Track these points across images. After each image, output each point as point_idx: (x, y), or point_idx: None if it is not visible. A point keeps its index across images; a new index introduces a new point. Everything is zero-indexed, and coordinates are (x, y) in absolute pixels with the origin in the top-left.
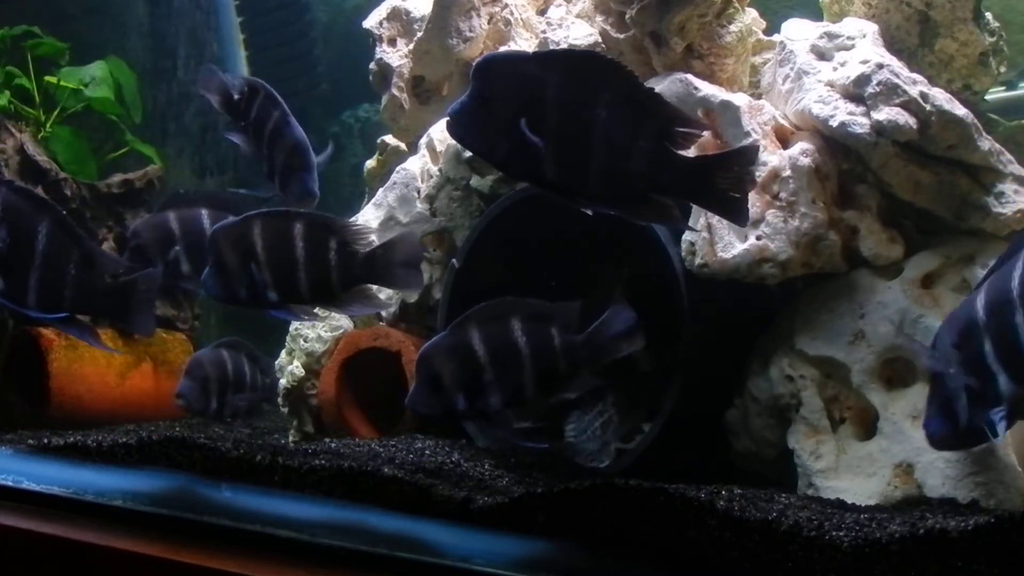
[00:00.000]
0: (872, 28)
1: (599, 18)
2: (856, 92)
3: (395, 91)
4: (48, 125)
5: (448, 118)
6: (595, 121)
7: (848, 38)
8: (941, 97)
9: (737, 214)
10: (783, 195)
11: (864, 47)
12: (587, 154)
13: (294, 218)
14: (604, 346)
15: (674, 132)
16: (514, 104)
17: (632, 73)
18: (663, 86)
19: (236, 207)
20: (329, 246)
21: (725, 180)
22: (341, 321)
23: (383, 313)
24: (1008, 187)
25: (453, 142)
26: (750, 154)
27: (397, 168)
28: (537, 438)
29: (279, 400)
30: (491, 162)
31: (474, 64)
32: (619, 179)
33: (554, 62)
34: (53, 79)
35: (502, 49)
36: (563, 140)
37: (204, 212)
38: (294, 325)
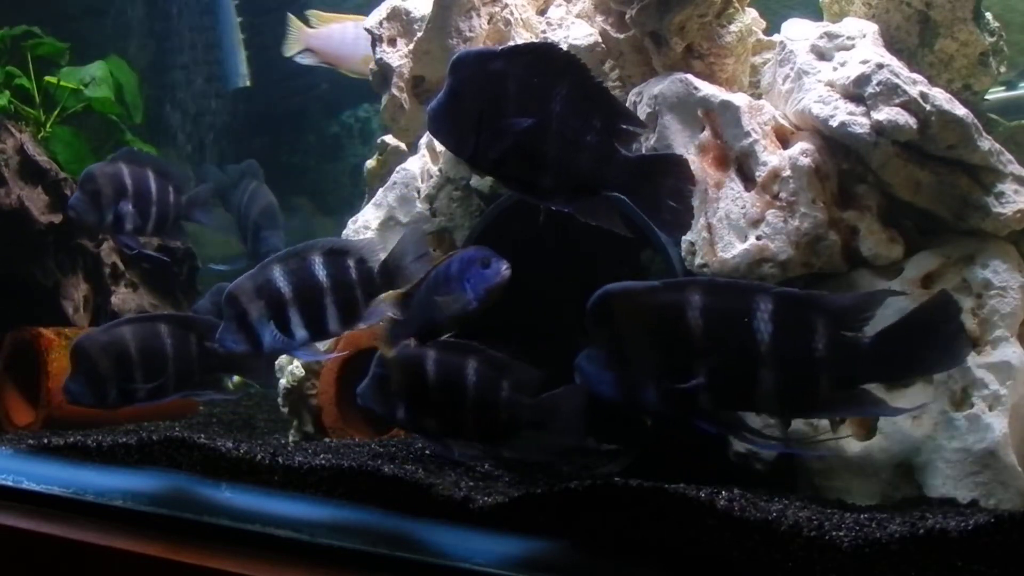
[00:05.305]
0: (872, 28)
1: (599, 18)
2: (856, 92)
3: (395, 91)
4: (48, 125)
5: (427, 114)
6: (548, 115)
7: (848, 38)
8: (941, 97)
9: (670, 224)
10: (783, 195)
11: (864, 47)
12: (541, 148)
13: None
14: (546, 420)
15: (619, 128)
16: (479, 100)
17: (584, 67)
18: (663, 86)
19: (176, 178)
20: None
21: (664, 185)
22: None
23: None
24: (1008, 187)
25: None
26: (680, 164)
27: (397, 168)
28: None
29: (279, 400)
30: (461, 157)
31: (450, 61)
32: (569, 173)
33: (516, 58)
34: (53, 79)
35: None
36: (521, 134)
37: (151, 173)
38: None
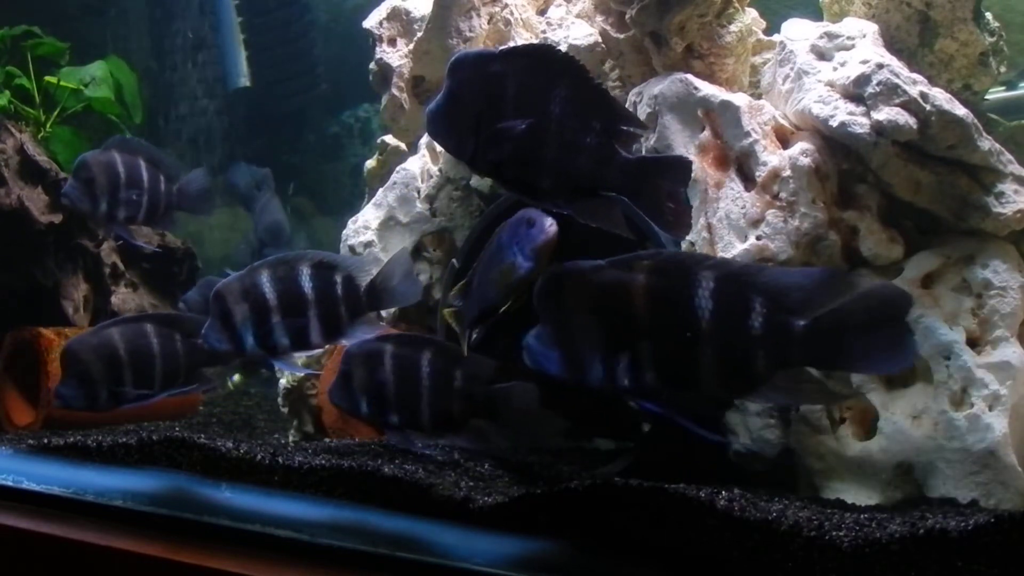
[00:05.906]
0: (872, 28)
1: (599, 18)
2: (856, 92)
3: (395, 91)
4: (48, 125)
5: (426, 116)
6: (547, 117)
7: (848, 38)
8: (941, 97)
9: (671, 225)
10: (783, 195)
11: (864, 47)
12: (540, 149)
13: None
14: (499, 411)
15: (619, 130)
16: (478, 101)
17: (583, 68)
18: (663, 86)
19: (168, 167)
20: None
21: (663, 187)
22: None
23: (383, 314)
24: (1008, 187)
25: None
26: (682, 165)
27: (397, 168)
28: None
29: (279, 400)
30: (460, 159)
31: (448, 63)
32: (569, 175)
33: (514, 59)
34: (53, 79)
35: None
36: (519, 136)
37: (143, 162)
38: None
